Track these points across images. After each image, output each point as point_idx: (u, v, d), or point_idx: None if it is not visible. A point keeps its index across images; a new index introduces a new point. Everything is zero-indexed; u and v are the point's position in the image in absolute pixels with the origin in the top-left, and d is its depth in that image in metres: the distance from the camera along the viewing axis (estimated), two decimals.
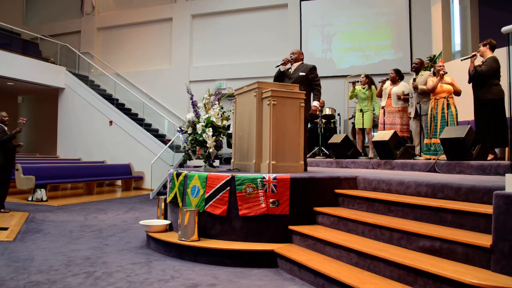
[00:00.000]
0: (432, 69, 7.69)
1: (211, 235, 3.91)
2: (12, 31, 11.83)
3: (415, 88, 5.98)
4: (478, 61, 5.11)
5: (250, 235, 3.76)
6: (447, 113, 5.48)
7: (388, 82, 6.64)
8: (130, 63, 13.48)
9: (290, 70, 4.96)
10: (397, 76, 6.51)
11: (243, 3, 11.93)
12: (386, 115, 6.46)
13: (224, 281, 3.15)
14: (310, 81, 4.80)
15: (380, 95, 6.75)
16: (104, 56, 13.88)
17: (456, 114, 5.50)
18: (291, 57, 4.99)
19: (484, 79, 4.86)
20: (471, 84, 5.17)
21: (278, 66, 5.05)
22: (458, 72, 5.77)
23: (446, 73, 5.61)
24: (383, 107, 6.43)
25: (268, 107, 4.15)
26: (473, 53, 5.21)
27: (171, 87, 12.44)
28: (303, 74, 4.78)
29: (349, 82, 8.00)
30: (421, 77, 6.05)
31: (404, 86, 6.39)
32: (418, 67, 6.16)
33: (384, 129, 6.32)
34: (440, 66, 5.66)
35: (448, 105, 5.51)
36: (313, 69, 4.84)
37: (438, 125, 5.50)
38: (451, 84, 5.58)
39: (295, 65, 4.95)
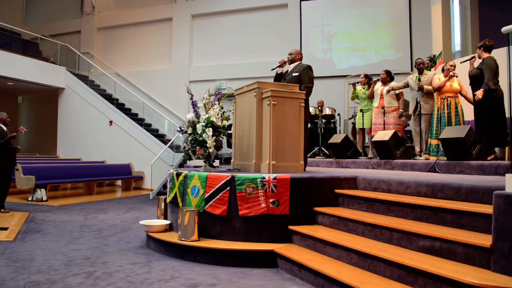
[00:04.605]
0: (433, 69, 7.67)
1: (211, 235, 3.91)
2: (12, 31, 11.83)
3: (421, 88, 5.92)
4: (477, 63, 5.11)
5: (250, 235, 3.76)
6: (454, 112, 5.46)
7: (379, 83, 6.71)
8: (130, 63, 13.48)
9: (288, 71, 4.88)
10: (388, 77, 6.64)
11: (243, 3, 11.94)
12: (382, 115, 6.47)
13: (224, 281, 3.15)
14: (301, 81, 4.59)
15: (372, 96, 6.80)
16: (104, 56, 13.88)
17: (463, 114, 5.50)
18: (288, 57, 4.87)
19: (482, 79, 4.85)
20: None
21: (273, 69, 4.97)
22: (457, 73, 5.75)
23: (456, 76, 5.53)
24: (383, 108, 6.44)
25: (268, 107, 4.15)
26: (472, 55, 5.22)
27: (171, 87, 12.45)
28: (297, 74, 4.65)
29: (349, 84, 8.02)
30: (425, 76, 6.04)
31: (393, 84, 6.49)
32: (422, 67, 6.18)
33: (384, 129, 6.32)
34: (451, 66, 5.58)
35: (456, 104, 5.50)
36: (306, 68, 4.65)
37: (447, 125, 5.45)
38: (459, 84, 5.57)
39: (292, 66, 4.84)
